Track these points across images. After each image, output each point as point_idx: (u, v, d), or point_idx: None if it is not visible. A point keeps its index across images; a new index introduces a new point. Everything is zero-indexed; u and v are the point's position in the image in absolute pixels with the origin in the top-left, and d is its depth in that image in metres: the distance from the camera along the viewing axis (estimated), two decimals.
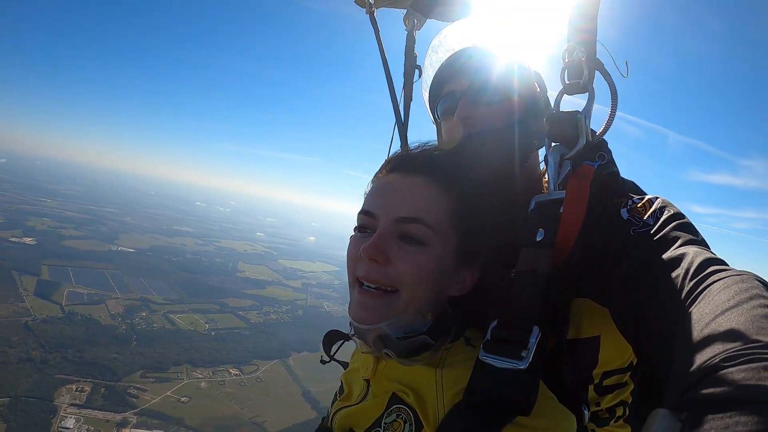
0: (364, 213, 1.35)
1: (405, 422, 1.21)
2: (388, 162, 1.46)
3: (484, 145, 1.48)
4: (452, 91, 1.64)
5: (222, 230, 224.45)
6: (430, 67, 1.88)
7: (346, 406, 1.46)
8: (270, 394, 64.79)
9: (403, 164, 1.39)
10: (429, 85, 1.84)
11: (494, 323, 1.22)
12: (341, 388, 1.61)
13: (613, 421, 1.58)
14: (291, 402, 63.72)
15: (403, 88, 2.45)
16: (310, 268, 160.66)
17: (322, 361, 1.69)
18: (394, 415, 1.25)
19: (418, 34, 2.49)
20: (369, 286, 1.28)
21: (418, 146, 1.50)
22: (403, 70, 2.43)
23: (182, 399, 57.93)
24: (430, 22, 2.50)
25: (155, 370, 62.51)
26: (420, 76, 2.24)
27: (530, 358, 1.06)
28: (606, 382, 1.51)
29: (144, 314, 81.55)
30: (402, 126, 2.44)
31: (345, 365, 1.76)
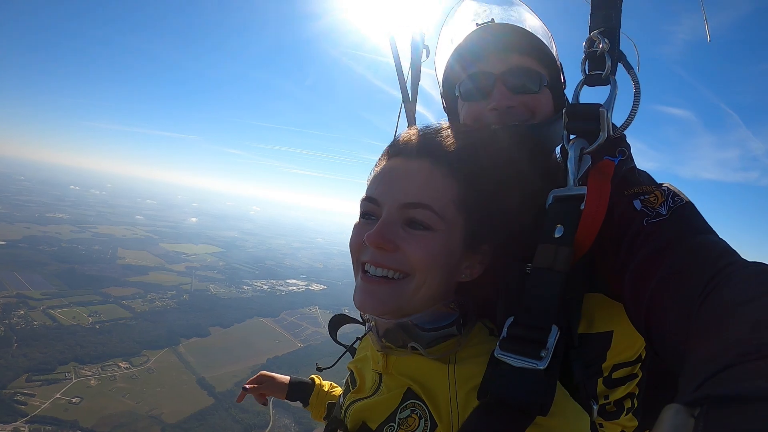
0: (367, 200, 1.29)
1: (420, 418, 1.17)
2: (391, 146, 1.39)
3: (516, 137, 1.40)
4: (485, 72, 1.53)
5: (99, 215, 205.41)
6: (453, 37, 1.73)
7: (359, 399, 1.42)
8: (164, 384, 64.93)
9: (406, 148, 1.32)
10: (449, 58, 1.67)
11: (510, 320, 1.17)
12: (352, 378, 1.57)
13: (622, 414, 1.54)
14: (186, 390, 64.40)
15: (410, 68, 2.36)
16: (193, 251, 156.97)
17: (347, 346, 1.80)
18: (409, 410, 1.21)
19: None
20: (374, 274, 1.23)
21: (422, 129, 1.38)
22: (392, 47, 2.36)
23: (73, 400, 56.25)
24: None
25: (41, 372, 59.42)
26: (428, 56, 2.24)
27: (549, 358, 1.03)
28: (615, 375, 1.49)
29: (22, 312, 75.40)
30: (409, 108, 2.35)
31: (353, 351, 1.79)
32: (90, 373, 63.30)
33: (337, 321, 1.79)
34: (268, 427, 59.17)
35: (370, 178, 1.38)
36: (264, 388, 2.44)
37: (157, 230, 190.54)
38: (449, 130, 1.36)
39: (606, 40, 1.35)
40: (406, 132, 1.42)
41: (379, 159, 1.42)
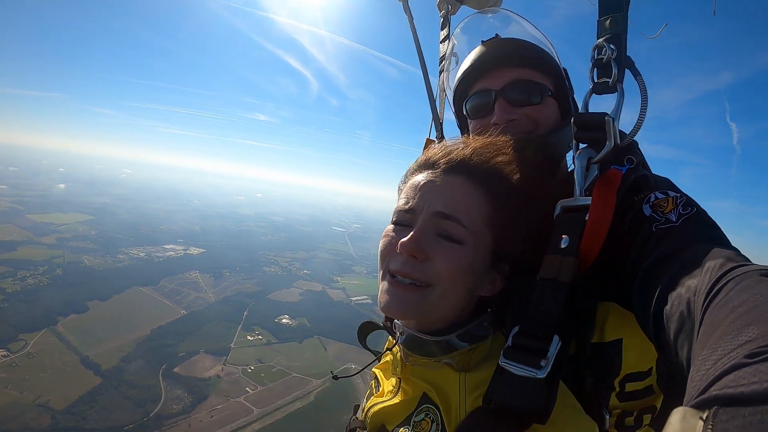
0: (404, 210, 1.32)
1: (432, 422, 1.20)
2: (425, 160, 1.42)
3: (525, 149, 1.42)
4: (486, 89, 1.62)
5: None
6: (460, 57, 1.83)
7: (379, 402, 1.46)
8: (47, 368, 62.69)
9: (442, 163, 1.35)
10: (456, 78, 1.78)
11: (515, 329, 1.18)
12: (377, 382, 1.62)
13: (639, 430, 1.51)
14: (71, 372, 62.89)
15: (440, 77, 2.35)
16: (63, 221, 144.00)
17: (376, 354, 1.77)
18: (423, 414, 1.25)
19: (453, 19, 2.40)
20: (402, 280, 1.24)
21: (456, 145, 1.41)
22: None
23: None
24: (465, 8, 2.48)
25: None
26: (457, 63, 2.18)
27: (549, 368, 1.05)
28: (628, 388, 1.44)
29: None
30: (438, 118, 2.34)
31: (378, 356, 1.81)
32: None
33: (367, 328, 1.85)
34: (161, 400, 58.79)
35: (402, 187, 1.43)
36: None
37: (22, 200, 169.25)
38: (484, 147, 1.39)
39: (612, 47, 1.33)
40: (440, 146, 1.45)
41: (411, 170, 1.46)
